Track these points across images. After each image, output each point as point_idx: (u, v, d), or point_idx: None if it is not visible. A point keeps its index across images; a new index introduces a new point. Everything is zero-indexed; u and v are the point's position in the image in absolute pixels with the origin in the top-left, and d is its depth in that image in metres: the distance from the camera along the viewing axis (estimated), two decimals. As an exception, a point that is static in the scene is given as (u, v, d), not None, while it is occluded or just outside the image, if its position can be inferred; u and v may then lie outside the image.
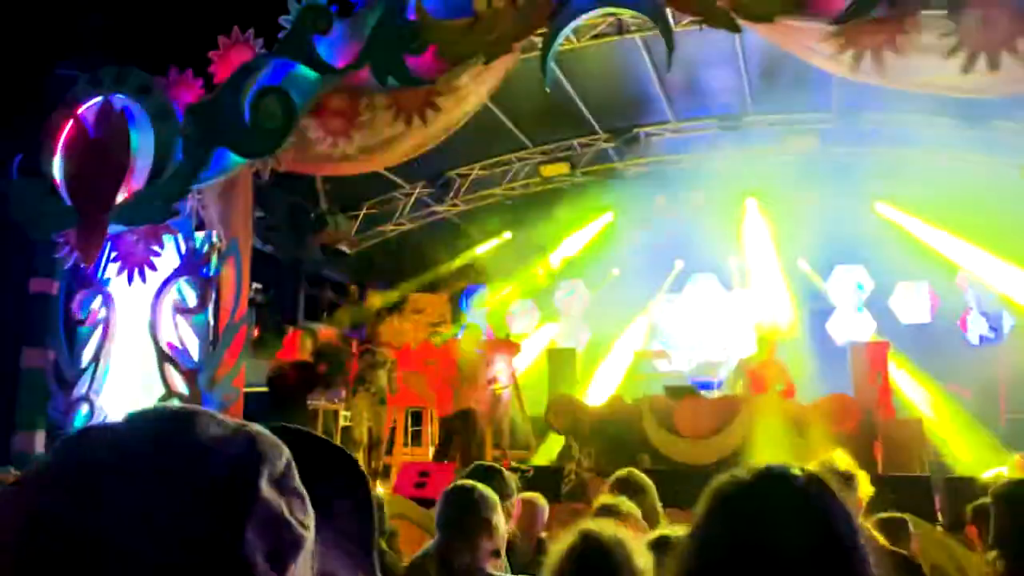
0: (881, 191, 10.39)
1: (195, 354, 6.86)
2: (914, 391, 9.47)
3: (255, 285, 8.50)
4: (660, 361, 11.27)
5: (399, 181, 10.92)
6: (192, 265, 6.94)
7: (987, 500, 3.05)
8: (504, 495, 3.08)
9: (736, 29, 5.79)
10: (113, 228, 6.99)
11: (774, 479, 1.09)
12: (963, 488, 5.43)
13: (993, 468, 7.35)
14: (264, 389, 8.39)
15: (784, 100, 9.15)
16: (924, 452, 7.29)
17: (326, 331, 9.41)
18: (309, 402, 8.71)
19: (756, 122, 9.96)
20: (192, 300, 6.92)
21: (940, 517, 5.32)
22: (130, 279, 6.97)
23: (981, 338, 10.65)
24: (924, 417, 7.95)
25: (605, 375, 11.41)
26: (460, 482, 2.79)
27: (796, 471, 1.10)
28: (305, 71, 6.83)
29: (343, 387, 9.18)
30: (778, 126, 9.91)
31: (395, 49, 6.50)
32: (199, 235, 7.07)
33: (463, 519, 2.56)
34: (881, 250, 10.46)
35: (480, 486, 2.66)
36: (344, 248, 10.51)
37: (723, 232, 11.47)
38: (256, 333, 8.47)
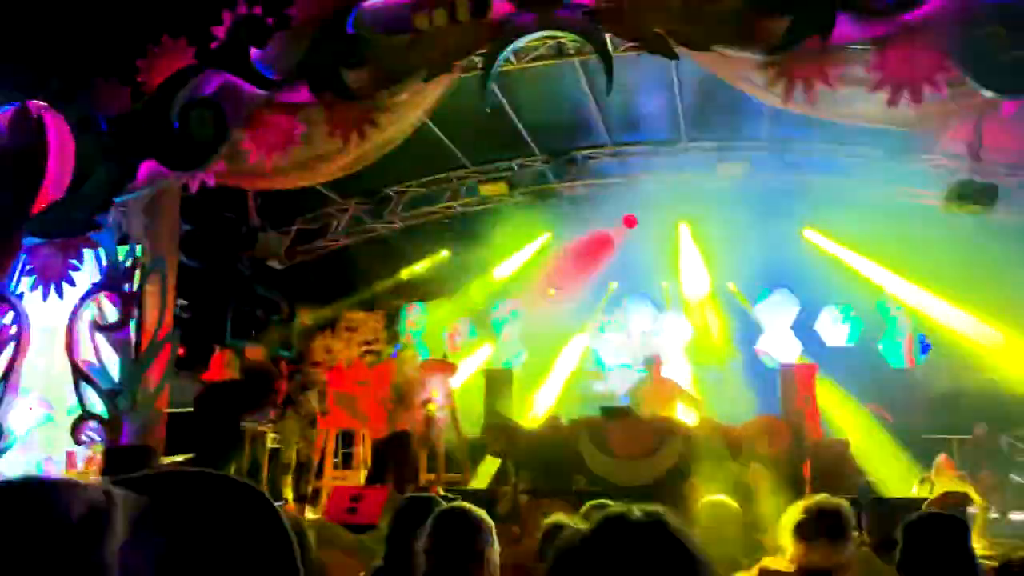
0: (809, 218, 10.72)
1: (115, 374, 6.55)
2: (840, 413, 9.73)
3: (181, 302, 8.18)
4: (596, 382, 11.32)
5: (334, 197, 10.74)
6: (114, 280, 6.65)
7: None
8: None
9: (674, 56, 5.90)
10: (28, 240, 6.64)
11: (611, 530, 1.06)
12: (887, 508, 5.56)
13: (913, 486, 7.61)
14: (190, 410, 8.08)
15: (717, 127, 9.38)
16: (850, 473, 7.47)
17: (254, 350, 9.12)
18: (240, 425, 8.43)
19: (690, 148, 10.18)
20: (113, 316, 6.62)
21: (866, 537, 5.43)
22: (45, 294, 6.62)
23: (901, 362, 11.04)
24: (850, 438, 8.15)
25: (542, 396, 11.39)
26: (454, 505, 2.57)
27: (637, 517, 1.06)
28: (239, 83, 6.66)
29: (272, 408, 8.91)
30: (711, 152, 10.14)
31: (333, 63, 6.39)
32: (122, 249, 6.77)
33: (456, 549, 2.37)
34: (808, 275, 10.79)
35: (476, 511, 2.47)
36: (275, 264, 10.25)
37: (657, 255, 11.65)
38: (181, 352, 8.13)
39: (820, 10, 5.42)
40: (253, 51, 6.57)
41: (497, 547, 2.39)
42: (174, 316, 7.13)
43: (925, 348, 10.72)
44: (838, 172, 9.82)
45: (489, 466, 8.75)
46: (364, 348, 14.51)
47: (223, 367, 8.27)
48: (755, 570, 2.84)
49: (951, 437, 9.11)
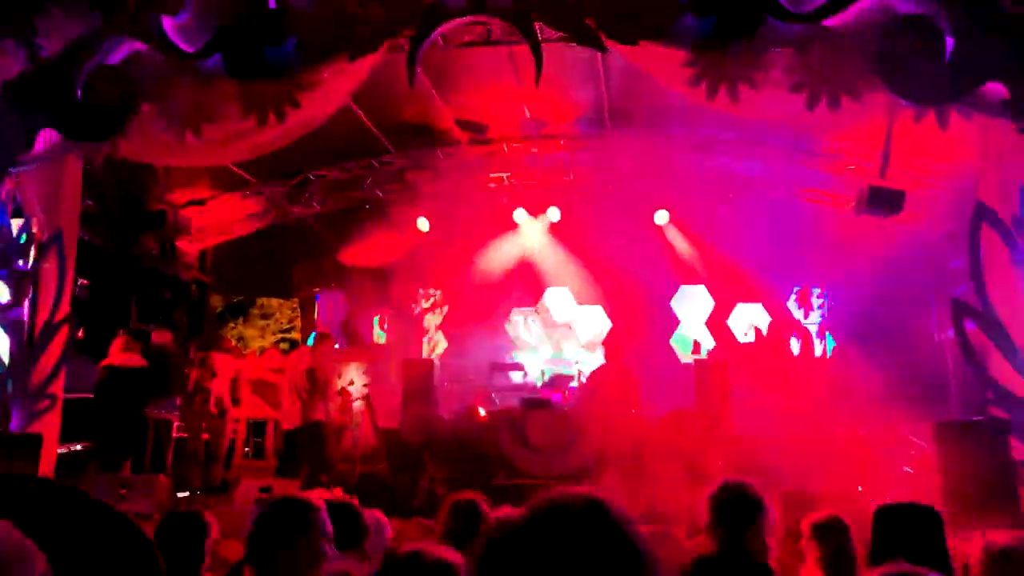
0: (725, 216, 10.98)
1: (4, 357, 6.13)
2: (752, 406, 9.99)
3: (80, 281, 7.73)
4: (515, 374, 11.31)
5: (249, 178, 10.35)
6: (6, 256, 6.21)
7: (819, 518, 3.23)
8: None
9: (603, 48, 5.88)
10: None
11: (547, 515, 1.01)
12: (793, 500, 5.72)
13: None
14: (90, 396, 7.67)
15: (643, 121, 9.47)
16: (762, 465, 7.67)
17: (161, 335, 8.72)
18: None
19: (614, 141, 10.25)
20: (4, 295, 6.19)
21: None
22: (-72, 270, 6.14)
23: (807, 357, 11.45)
24: (761, 431, 8.37)
25: (461, 387, 11.30)
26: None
27: (576, 501, 1.01)
28: (149, 52, 6.29)
29: (178, 396, 8.54)
30: (634, 148, 10.23)
31: (252, 39, 6.11)
32: (16, 223, 6.33)
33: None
34: (721, 272, 11.08)
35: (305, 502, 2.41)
36: (185, 246, 9.82)
37: (578, 247, 11.74)
38: (80, 334, 7.69)
39: (746, 12, 5.50)
40: (166, 20, 6.22)
41: (323, 531, 2.35)
42: (73, 297, 6.73)
43: (832, 343, 11.13)
44: (752, 171, 10.09)
45: (407, 458, 8.62)
46: (279, 335, 14.11)
47: (126, 351, 7.85)
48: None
49: (852, 433, 9.48)
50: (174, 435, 8.76)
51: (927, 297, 9.30)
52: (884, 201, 6.96)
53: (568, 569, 0.95)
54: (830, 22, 5.41)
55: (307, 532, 2.34)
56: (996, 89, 5.32)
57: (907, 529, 2.18)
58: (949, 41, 5.28)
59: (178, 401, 8.63)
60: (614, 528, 1.00)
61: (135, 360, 7.75)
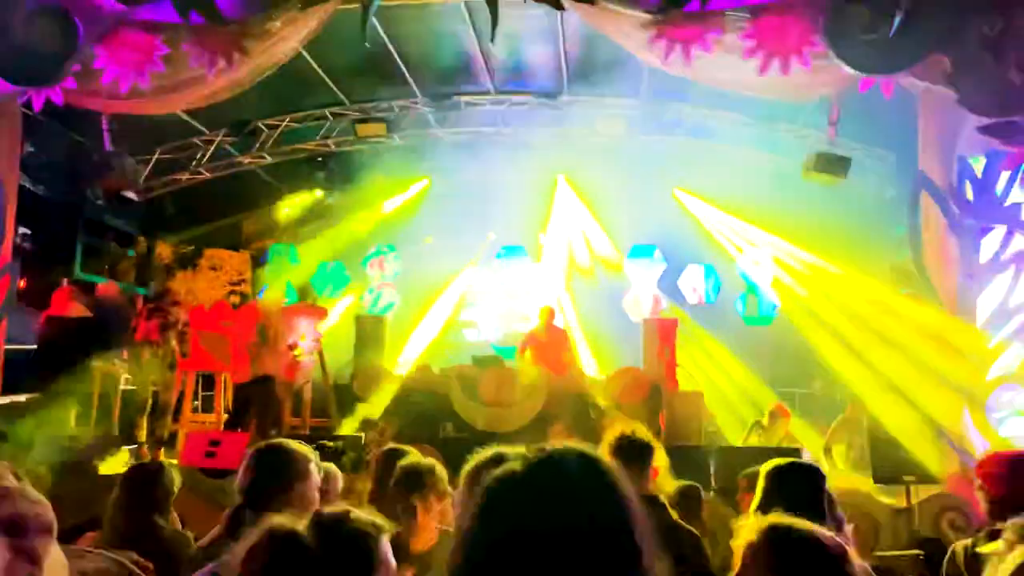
0: (680, 179, 11.10)
1: (-59, 306, 5.97)
2: (698, 366, 10.25)
3: (22, 230, 7.53)
4: (469, 331, 11.39)
5: (199, 127, 10.11)
6: (-59, 203, 6.01)
7: (755, 469, 3.38)
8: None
9: (560, 7, 5.87)
10: None
11: (544, 466, 1.07)
12: (731, 457, 5.95)
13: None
14: (33, 347, 7.52)
15: (599, 84, 9.46)
16: (703, 423, 7.93)
17: (107, 286, 8.55)
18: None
19: (571, 102, 10.23)
20: (-60, 243, 6.01)
21: (714, 482, 5.79)
22: None
23: (755, 319, 11.75)
24: (704, 391, 8.61)
25: (414, 344, 11.34)
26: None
27: (570, 454, 1.08)
28: (92, -7, 6.07)
29: (126, 347, 8.41)
30: (591, 108, 10.24)
31: (201, -18, 5.93)
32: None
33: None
34: (675, 234, 11.23)
35: (294, 446, 2.48)
36: (131, 195, 9.57)
37: (534, 207, 11.75)
38: (23, 284, 7.51)
39: (702, -26, 5.52)
40: (110, -40, 6.00)
41: (315, 480, 2.43)
42: (14, 245, 6.55)
43: (773, 307, 11.41)
44: (708, 135, 10.20)
45: (359, 413, 8.67)
46: (229, 288, 13.91)
47: (71, 302, 7.70)
48: None
49: (795, 391, 9.81)
50: (121, 387, 8.66)
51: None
52: (831, 166, 7.12)
53: (565, 515, 1.01)
54: (783, -11, 5.47)
55: (304, 479, 2.42)
56: (939, 61, 5.46)
57: (791, 484, 2.35)
58: (896, 12, 5.38)
59: (125, 354, 8.50)
60: (605, 479, 1.06)
61: (79, 311, 7.60)
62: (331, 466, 3.75)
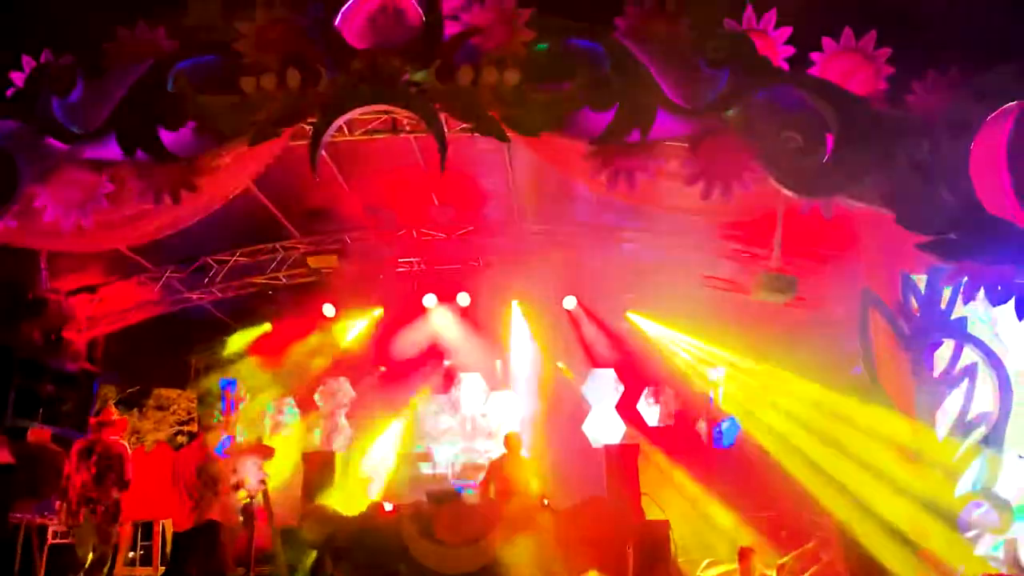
0: (632, 301, 11.20)
1: None
2: (661, 492, 9.96)
3: (-52, 374, 7.14)
4: (424, 464, 11.00)
5: (145, 263, 9.95)
6: None
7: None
8: None
9: (505, 139, 5.98)
10: None
11: None
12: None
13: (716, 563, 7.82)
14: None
15: (548, 211, 9.66)
16: (670, 553, 7.61)
17: (38, 431, 8.07)
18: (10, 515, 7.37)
19: (522, 230, 10.38)
20: None
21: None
22: None
23: (715, 441, 11.58)
24: (669, 518, 8.33)
25: (366, 479, 10.88)
26: None
27: None
28: (36, 134, 6.03)
29: (56, 498, 7.86)
30: (542, 236, 10.40)
31: (148, 121, 5.94)
32: None
33: None
34: (632, 357, 11.22)
35: None
36: (73, 335, 9.24)
37: (489, 333, 11.70)
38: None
39: (642, 106, 5.72)
40: (56, 101, 6.00)
41: None
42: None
43: (735, 427, 11.29)
44: (659, 258, 10.37)
45: (306, 558, 8.14)
46: (176, 429, 13.33)
47: (-3, 450, 7.22)
48: None
49: (763, 515, 9.54)
50: (49, 541, 8.03)
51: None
52: (778, 287, 7.23)
53: None
54: (719, 117, 5.68)
55: None
56: (874, 182, 5.66)
57: None
58: (829, 137, 5.62)
59: (56, 505, 7.95)
60: None
61: (4, 459, 7.12)
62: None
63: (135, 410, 14.00)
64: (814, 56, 6.04)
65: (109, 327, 10.40)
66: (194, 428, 12.81)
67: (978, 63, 5.75)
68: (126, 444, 8.24)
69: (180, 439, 12.92)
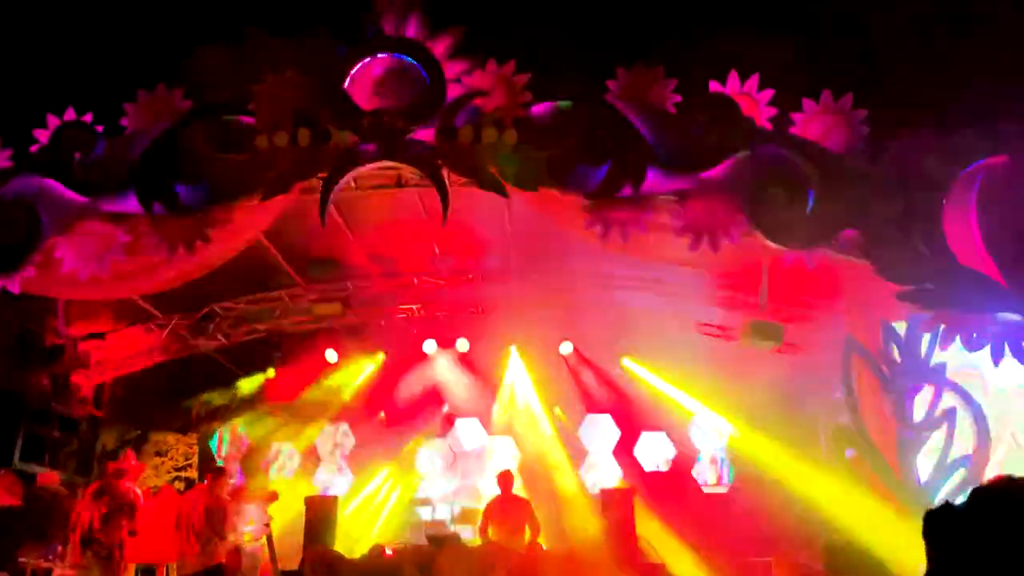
0: (627, 347, 11.42)
1: None
2: (657, 536, 10.06)
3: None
4: (423, 508, 11.09)
5: (154, 311, 10.19)
6: None
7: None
8: None
9: (504, 194, 6.31)
10: None
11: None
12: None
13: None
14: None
15: (545, 260, 9.94)
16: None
17: (46, 475, 8.23)
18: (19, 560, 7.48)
19: (520, 278, 10.64)
20: None
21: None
22: None
23: (710, 486, 11.69)
24: (665, 561, 8.45)
25: (367, 524, 10.96)
26: None
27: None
28: (58, 188, 6.35)
29: (60, 542, 7.97)
30: (538, 283, 10.65)
31: (165, 177, 6.27)
32: None
33: None
34: (628, 402, 11.40)
35: None
36: (81, 380, 9.45)
37: (487, 378, 11.89)
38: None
39: (633, 164, 6.06)
40: (77, 157, 6.34)
41: None
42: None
43: (731, 473, 11.42)
44: (651, 306, 10.63)
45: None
46: (174, 474, 13.40)
47: (5, 493, 7.37)
48: None
49: (758, 560, 9.62)
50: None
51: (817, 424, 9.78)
52: (765, 334, 7.50)
53: None
54: (706, 174, 6.02)
55: None
56: (854, 234, 5.98)
57: None
58: (810, 191, 5.95)
59: (60, 548, 8.05)
60: None
61: (6, 500, 7.27)
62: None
63: (135, 454, 14.08)
64: (795, 116, 6.41)
65: (115, 373, 10.61)
66: (192, 474, 12.90)
67: (949, 124, 6.12)
68: (139, 492, 8.36)
69: (178, 485, 12.99)
